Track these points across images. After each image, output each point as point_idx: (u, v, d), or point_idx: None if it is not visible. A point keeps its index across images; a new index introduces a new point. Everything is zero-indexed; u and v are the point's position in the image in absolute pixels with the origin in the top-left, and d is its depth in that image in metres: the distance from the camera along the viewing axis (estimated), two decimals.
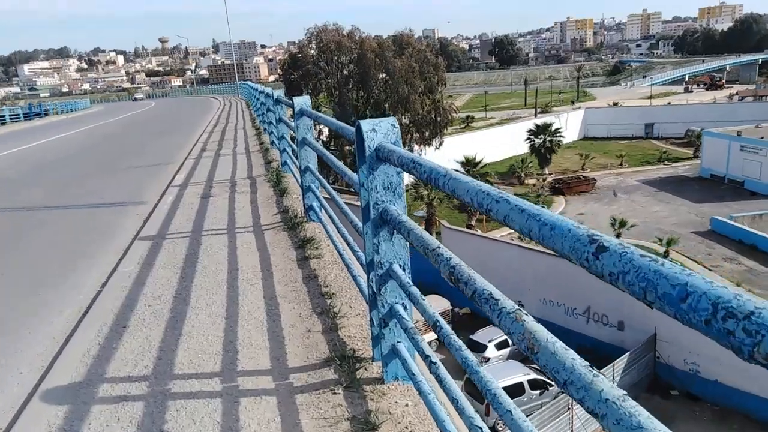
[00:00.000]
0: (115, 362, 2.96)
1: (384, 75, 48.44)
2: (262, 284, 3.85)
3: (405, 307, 2.37)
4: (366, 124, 2.30)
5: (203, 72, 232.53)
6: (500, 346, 18.79)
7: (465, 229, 31.27)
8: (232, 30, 51.78)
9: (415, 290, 2.10)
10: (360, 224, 3.20)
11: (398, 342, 2.40)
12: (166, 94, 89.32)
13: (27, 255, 5.56)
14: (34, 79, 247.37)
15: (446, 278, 1.60)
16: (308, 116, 4.94)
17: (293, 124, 5.23)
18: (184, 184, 8.12)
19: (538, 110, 74.48)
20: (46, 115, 42.18)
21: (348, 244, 3.56)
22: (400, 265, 2.34)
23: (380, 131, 2.28)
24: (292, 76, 50.93)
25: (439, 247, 1.74)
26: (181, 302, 3.69)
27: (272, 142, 10.50)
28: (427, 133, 49.38)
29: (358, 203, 2.39)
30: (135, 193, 8.08)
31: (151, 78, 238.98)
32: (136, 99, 68.89)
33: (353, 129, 2.88)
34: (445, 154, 51.31)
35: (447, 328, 1.78)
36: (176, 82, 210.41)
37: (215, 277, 4.10)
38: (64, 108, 48.25)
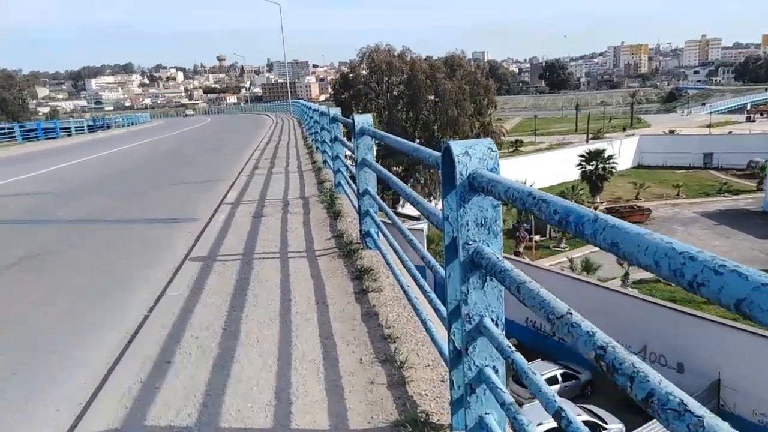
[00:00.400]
0: (157, 406, 2.66)
1: (433, 96, 48.34)
2: (317, 319, 3.51)
3: (497, 371, 1.97)
4: (457, 147, 1.92)
5: (257, 90, 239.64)
6: (550, 382, 17.91)
7: (513, 257, 30.33)
8: (285, 49, 52.96)
9: (519, 358, 1.69)
10: (429, 258, 2.83)
11: (487, 413, 1.99)
12: (222, 111, 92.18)
13: (76, 271, 5.43)
14: (100, 93, 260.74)
15: (589, 358, 1.20)
16: (370, 135, 4.62)
17: (352, 143, 4.95)
18: (236, 201, 7.97)
19: (590, 136, 72.71)
20: (108, 128, 43.98)
21: (415, 280, 3.19)
22: (492, 320, 1.94)
23: (475, 155, 1.90)
24: (343, 96, 51.52)
25: (570, 313, 1.34)
26: (230, 336, 3.39)
27: (325, 161, 10.31)
28: None
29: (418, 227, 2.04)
30: (188, 209, 7.98)
31: (208, 95, 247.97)
32: (186, 115, 71.33)
33: (431, 152, 2.53)
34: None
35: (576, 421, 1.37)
36: (231, 99, 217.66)
37: (267, 308, 3.79)
38: (126, 122, 50.30)
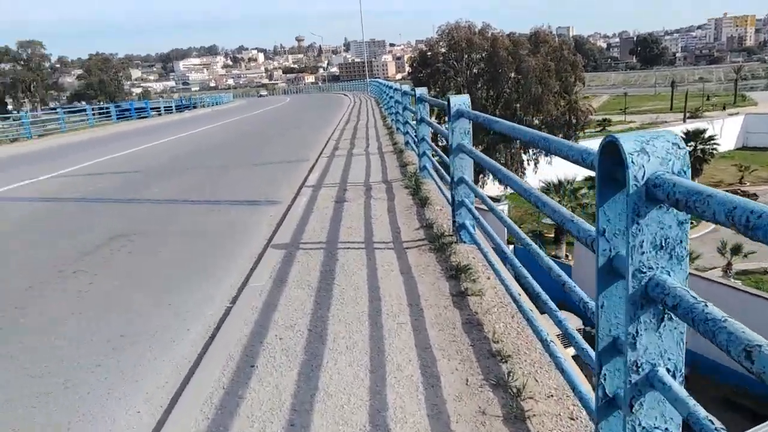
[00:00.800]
0: (240, 419, 2.39)
1: (515, 74, 46.50)
2: (411, 324, 3.14)
3: None
4: (629, 142, 1.41)
5: (334, 69, 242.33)
6: None
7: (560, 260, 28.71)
8: (362, 28, 52.70)
9: (703, 415, 1.21)
10: (552, 265, 2.36)
11: None
12: (300, 91, 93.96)
13: (162, 255, 5.38)
14: (187, 75, 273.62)
15: None
16: (468, 118, 4.13)
17: (445, 127, 4.48)
18: (317, 184, 7.75)
19: (687, 115, 67.55)
20: (194, 107, 45.81)
21: (529, 288, 2.72)
22: (669, 370, 1.46)
23: (655, 154, 1.40)
24: (421, 74, 50.69)
25: None
26: (317, 338, 3.08)
27: (407, 143, 9.90)
28: (560, 136, 46.60)
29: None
30: (270, 191, 7.86)
31: (287, 75, 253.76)
32: (261, 95, 73.24)
33: (573, 145, 2.01)
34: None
35: None
36: (309, 79, 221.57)
37: (354, 308, 3.46)
38: (211, 101, 52.21)
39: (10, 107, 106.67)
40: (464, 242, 4.34)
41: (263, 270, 4.38)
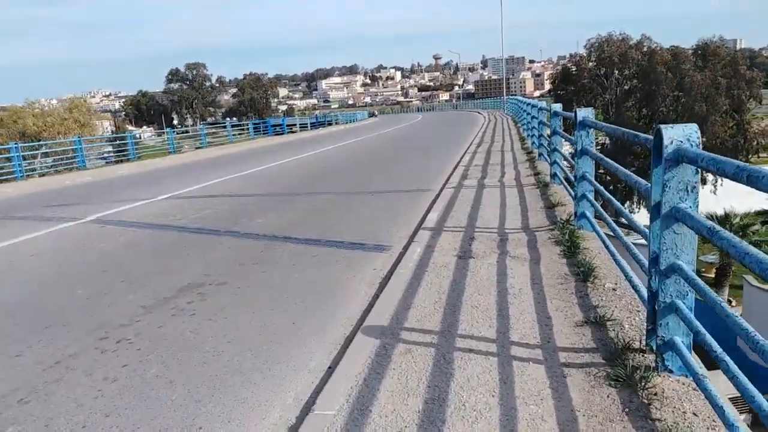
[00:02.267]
0: None
1: (675, 91, 41.30)
2: None
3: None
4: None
5: (470, 87, 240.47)
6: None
7: None
8: (502, 44, 50.53)
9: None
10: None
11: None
12: (433, 108, 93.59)
13: (218, 327, 4.16)
14: (328, 93, 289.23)
15: None
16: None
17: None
18: (437, 228, 6.19)
19: None
20: (329, 124, 46.87)
21: None
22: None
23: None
24: (562, 92, 47.22)
25: None
26: None
27: (554, 175, 8.00)
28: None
29: None
30: (380, 231, 6.46)
31: (422, 92, 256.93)
32: (372, 114, 73.06)
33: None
34: (746, 191, 41.29)
35: None
36: (444, 96, 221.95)
37: None
38: (346, 118, 53.31)
39: (175, 121, 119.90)
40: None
41: (339, 384, 2.89)
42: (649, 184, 2.59)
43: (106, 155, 26.86)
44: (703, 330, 2.26)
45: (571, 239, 4.79)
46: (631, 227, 3.65)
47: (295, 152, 19.09)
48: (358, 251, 5.79)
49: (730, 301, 28.88)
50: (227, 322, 4.06)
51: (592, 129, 4.99)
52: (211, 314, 4.23)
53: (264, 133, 33.80)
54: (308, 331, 3.77)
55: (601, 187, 4.80)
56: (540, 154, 10.80)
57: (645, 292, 3.03)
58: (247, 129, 33.58)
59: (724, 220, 31.38)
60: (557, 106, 8.45)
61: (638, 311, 3.28)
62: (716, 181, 42.97)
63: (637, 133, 3.05)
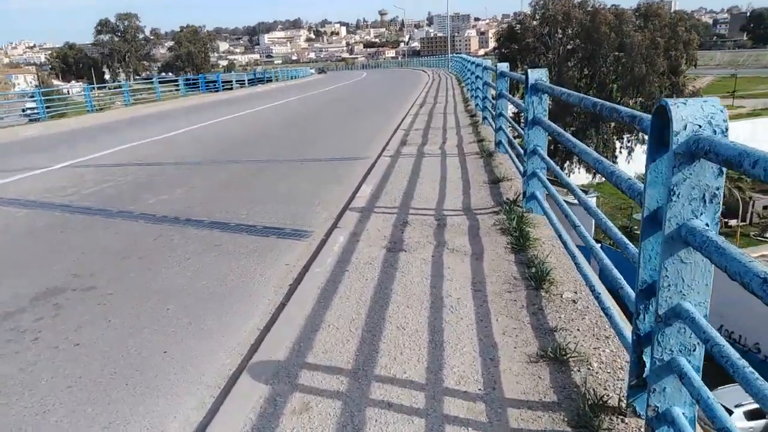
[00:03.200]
0: None
1: (616, 52, 41.48)
2: None
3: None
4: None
5: (415, 44, 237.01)
6: (752, 416, 13.43)
7: None
8: (445, 2, 49.16)
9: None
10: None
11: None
12: (378, 65, 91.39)
13: (70, 354, 3.17)
14: (271, 48, 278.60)
15: None
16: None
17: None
18: (367, 207, 5.31)
19: None
20: (269, 81, 44.52)
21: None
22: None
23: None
24: (507, 50, 46.61)
25: None
26: None
27: (500, 143, 7.23)
28: None
29: None
30: (299, 214, 5.52)
31: (368, 49, 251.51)
32: (323, 71, 71.30)
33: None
34: None
35: None
36: (390, 53, 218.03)
37: None
38: (287, 75, 50.88)
39: (107, 76, 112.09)
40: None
41: (227, 419, 2.01)
42: (642, 186, 1.77)
43: (30, 112, 24.13)
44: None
45: (520, 227, 4.02)
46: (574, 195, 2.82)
47: (225, 112, 17.58)
48: (272, 238, 4.85)
49: None
50: (75, 353, 3.06)
51: (546, 95, 4.16)
52: (60, 339, 3.21)
53: (197, 90, 31.52)
54: (181, 366, 2.84)
55: (557, 167, 3.99)
56: (484, 118, 10.03)
57: (618, 320, 2.28)
58: (178, 85, 31.16)
59: None
60: (504, 66, 7.53)
61: (607, 338, 2.54)
62: None
63: (617, 107, 2.19)
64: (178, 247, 4.76)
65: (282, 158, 8.84)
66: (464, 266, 3.64)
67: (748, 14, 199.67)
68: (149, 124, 15.89)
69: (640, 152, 42.81)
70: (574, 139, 3.23)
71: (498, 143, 7.19)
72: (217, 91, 32.27)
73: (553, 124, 3.98)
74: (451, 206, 5.11)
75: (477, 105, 12.23)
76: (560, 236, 3.58)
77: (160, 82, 30.68)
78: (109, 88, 28.97)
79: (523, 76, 4.40)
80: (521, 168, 5.43)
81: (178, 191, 6.85)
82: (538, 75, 4.23)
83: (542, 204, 4.26)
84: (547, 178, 4.29)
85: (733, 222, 34.71)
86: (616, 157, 43.59)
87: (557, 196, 3.88)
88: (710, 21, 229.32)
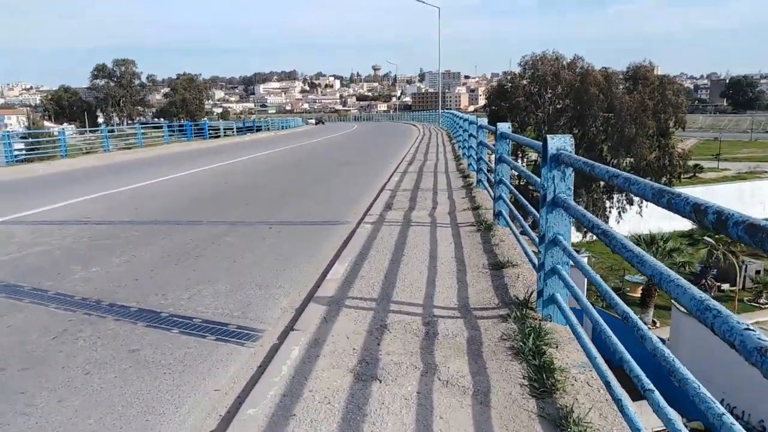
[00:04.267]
0: None
1: (606, 113, 41.69)
2: None
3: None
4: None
5: (407, 99, 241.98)
6: None
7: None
8: (438, 58, 49.77)
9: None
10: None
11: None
12: (370, 118, 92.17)
13: None
14: (266, 97, 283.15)
15: None
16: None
17: None
18: (337, 297, 4.18)
19: None
20: (258, 130, 44.04)
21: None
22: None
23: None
24: (495, 108, 46.82)
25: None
26: None
27: (499, 214, 6.19)
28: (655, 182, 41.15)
29: None
30: (255, 303, 4.38)
31: (361, 102, 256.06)
32: (308, 122, 71.97)
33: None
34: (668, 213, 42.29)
35: None
36: (382, 107, 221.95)
37: None
38: (279, 124, 50.52)
39: (100, 120, 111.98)
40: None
41: None
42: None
43: (17, 153, 22.80)
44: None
45: (538, 349, 2.91)
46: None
47: (205, 161, 16.60)
48: (209, 340, 3.69)
49: (654, 323, 28.80)
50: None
51: (571, 169, 3.19)
52: None
53: (183, 136, 30.73)
54: None
55: (577, 256, 2.91)
56: (479, 181, 9.08)
57: None
58: (162, 131, 30.34)
59: (650, 242, 31.45)
60: (505, 126, 6.26)
61: None
62: (641, 203, 43.83)
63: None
64: (80, 352, 3.57)
65: (252, 220, 7.75)
66: (463, 417, 2.49)
67: (727, 81, 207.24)
68: (123, 172, 14.83)
69: (632, 213, 42.43)
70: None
71: (497, 214, 6.17)
72: (204, 138, 31.52)
73: (581, 208, 2.86)
74: (443, 301, 4.00)
75: (470, 165, 11.35)
76: (598, 369, 2.47)
77: (143, 127, 29.87)
78: (90, 131, 27.95)
79: (539, 143, 3.46)
80: (529, 251, 4.38)
81: (116, 262, 5.69)
82: (561, 143, 3.13)
83: (566, 313, 3.16)
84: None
85: (725, 286, 33.95)
86: (607, 217, 43.16)
87: (583, 299, 2.81)
88: (691, 86, 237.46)
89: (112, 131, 26.95)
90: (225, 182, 12.12)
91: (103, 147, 24.17)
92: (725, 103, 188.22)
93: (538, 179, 3.26)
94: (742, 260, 34.95)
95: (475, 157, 9.54)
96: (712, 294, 31.24)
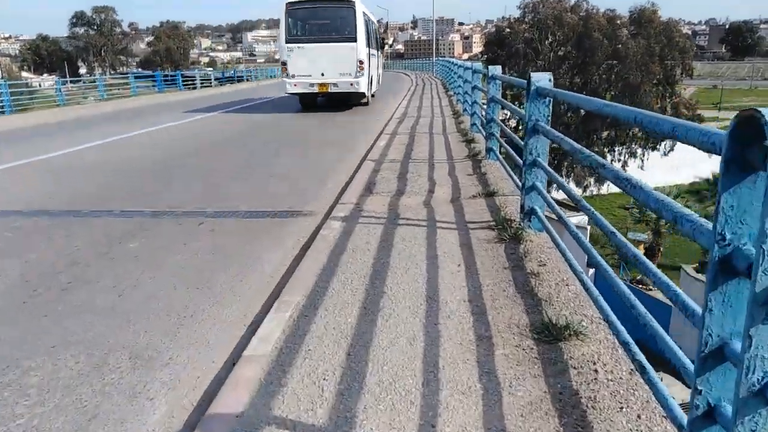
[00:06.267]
0: None
1: (610, 59, 39.01)
2: None
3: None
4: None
5: (399, 47, 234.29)
6: None
7: None
8: (432, 4, 46.34)
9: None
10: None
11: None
12: None
13: None
14: (254, 46, 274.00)
15: None
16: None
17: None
18: (276, 382, 2.20)
19: None
20: (239, 81, 41.10)
21: None
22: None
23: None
24: (495, 55, 43.83)
25: None
26: None
27: (530, 213, 4.13)
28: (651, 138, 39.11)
29: None
30: (101, 413, 2.39)
31: None
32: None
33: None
34: (675, 163, 40.47)
35: None
36: None
37: None
38: (261, 74, 47.49)
39: (82, 70, 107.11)
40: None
41: None
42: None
43: None
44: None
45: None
46: None
47: (163, 119, 14.27)
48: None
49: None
50: None
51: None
52: None
53: (153, 87, 28.05)
54: None
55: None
56: (490, 150, 6.94)
57: None
58: (128, 82, 27.60)
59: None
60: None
61: None
62: (644, 155, 41.81)
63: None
64: None
65: (183, 207, 5.65)
66: None
67: (727, 27, 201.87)
68: (58, 134, 12.53)
69: (634, 166, 40.46)
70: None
71: (528, 213, 4.10)
72: (178, 90, 28.85)
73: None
74: (449, 364, 2.01)
75: (473, 125, 9.20)
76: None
77: (112, 78, 27.15)
78: (71, 82, 25.23)
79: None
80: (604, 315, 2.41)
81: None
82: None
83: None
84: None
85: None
86: None
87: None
88: (689, 32, 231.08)
89: (65, 83, 24.28)
90: (176, 151, 9.91)
91: (58, 100, 21.67)
92: (724, 50, 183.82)
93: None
94: None
95: (486, 117, 7.37)
96: None
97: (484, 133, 7.48)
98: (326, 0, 13.79)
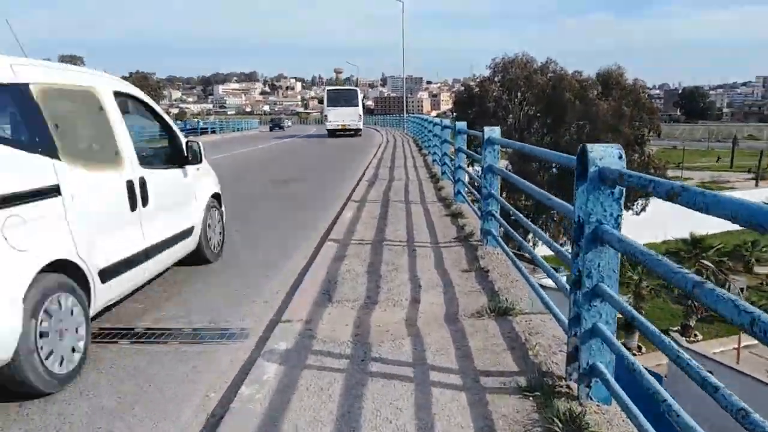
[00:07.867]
0: None
1: (580, 119, 39.06)
2: None
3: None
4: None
5: (369, 103, 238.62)
6: None
7: (712, 357, 20.43)
8: (401, 63, 46.40)
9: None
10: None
11: None
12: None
13: None
14: (225, 98, 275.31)
15: None
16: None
17: None
18: None
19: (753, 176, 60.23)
20: (203, 133, 39.67)
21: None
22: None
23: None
24: (467, 113, 43.61)
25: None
26: None
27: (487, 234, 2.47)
28: (630, 194, 38.89)
29: None
30: None
31: (322, 104, 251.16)
32: (285, 124, 65.78)
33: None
34: (649, 220, 40.07)
35: None
36: None
37: None
38: (231, 127, 46.13)
39: None
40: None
41: None
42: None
43: None
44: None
45: None
46: None
47: None
48: None
49: (639, 347, 26.11)
50: None
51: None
52: None
53: None
54: None
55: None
56: (487, 233, 5.37)
57: None
58: None
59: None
60: (495, 132, 5.29)
61: None
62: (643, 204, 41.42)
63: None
64: None
65: None
66: None
67: (680, 92, 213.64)
68: None
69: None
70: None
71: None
72: None
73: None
74: None
75: (457, 195, 7.70)
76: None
77: None
78: None
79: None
80: None
81: None
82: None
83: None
84: None
85: None
86: None
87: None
88: (645, 96, 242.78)
89: None
90: None
91: None
92: (679, 113, 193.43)
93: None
94: (728, 279, 33.32)
95: (485, 190, 5.84)
96: (700, 314, 29.13)
97: (479, 212, 5.95)
98: (344, 88, 31.32)
